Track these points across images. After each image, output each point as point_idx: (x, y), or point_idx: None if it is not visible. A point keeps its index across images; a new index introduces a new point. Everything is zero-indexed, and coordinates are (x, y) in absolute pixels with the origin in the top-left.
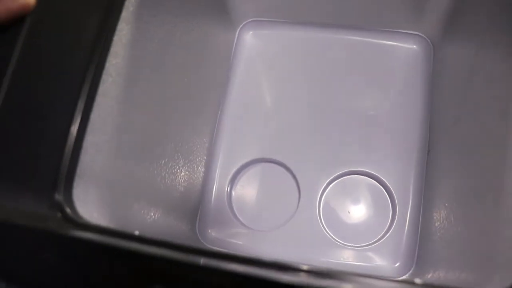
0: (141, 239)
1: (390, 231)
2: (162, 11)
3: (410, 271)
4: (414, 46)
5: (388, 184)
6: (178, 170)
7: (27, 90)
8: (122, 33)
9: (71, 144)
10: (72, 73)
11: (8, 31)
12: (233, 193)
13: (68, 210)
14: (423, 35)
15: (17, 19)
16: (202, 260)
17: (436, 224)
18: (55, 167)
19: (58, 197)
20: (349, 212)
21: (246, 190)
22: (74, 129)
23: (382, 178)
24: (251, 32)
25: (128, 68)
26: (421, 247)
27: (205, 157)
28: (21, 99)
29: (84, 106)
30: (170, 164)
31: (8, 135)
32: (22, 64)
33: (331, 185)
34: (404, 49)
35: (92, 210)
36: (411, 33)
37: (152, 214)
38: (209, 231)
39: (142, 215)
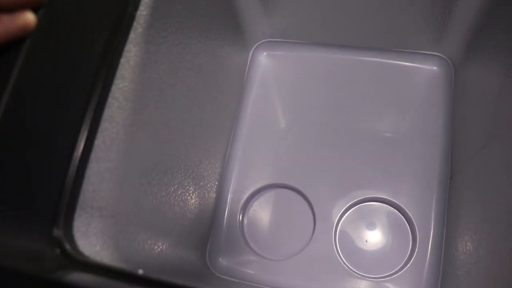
0: (145, 280)
1: (411, 262)
2: (172, 32)
3: None
4: (434, 68)
5: (408, 212)
6: (188, 197)
7: (25, 117)
8: (129, 55)
9: (72, 173)
10: (75, 98)
11: (5, 53)
12: (245, 220)
13: (67, 246)
14: (443, 56)
15: (16, 41)
16: None
17: (462, 257)
18: (55, 199)
19: (57, 232)
20: (366, 241)
21: (259, 217)
22: (76, 157)
23: (402, 206)
24: (265, 53)
25: (136, 92)
26: (444, 281)
27: (216, 183)
28: (19, 126)
29: (88, 133)
30: (179, 191)
31: (4, 165)
32: (20, 89)
33: (347, 213)
34: (423, 70)
35: (94, 242)
36: (431, 54)
37: (160, 244)
38: (220, 259)
39: (149, 245)
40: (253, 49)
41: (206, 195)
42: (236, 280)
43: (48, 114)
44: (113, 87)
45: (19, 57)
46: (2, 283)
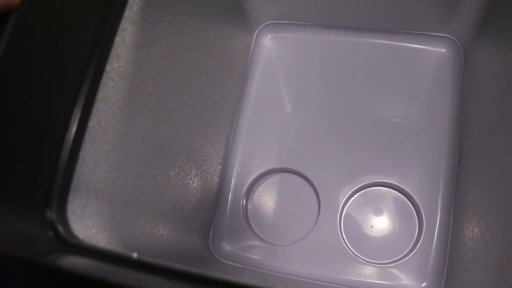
0: (139, 264)
1: (417, 247)
2: (171, 11)
3: None
4: (443, 50)
5: (414, 197)
6: (190, 181)
7: (13, 98)
8: (125, 34)
9: (65, 155)
10: (67, 78)
11: None
12: (249, 204)
13: (60, 228)
14: (452, 38)
15: None
16: None
17: (468, 243)
18: (47, 181)
19: (50, 214)
20: (372, 226)
21: (263, 202)
22: (69, 138)
23: (408, 191)
24: (269, 35)
25: (133, 72)
26: (450, 267)
27: (219, 167)
28: (7, 107)
29: (81, 113)
30: (180, 175)
31: None
32: (6, 69)
33: (353, 197)
34: (432, 52)
35: (90, 225)
36: (440, 36)
37: (160, 228)
38: (224, 244)
39: (149, 229)
40: (257, 31)
41: (209, 179)
42: (240, 266)
43: (38, 95)
44: (108, 67)
45: (4, 35)
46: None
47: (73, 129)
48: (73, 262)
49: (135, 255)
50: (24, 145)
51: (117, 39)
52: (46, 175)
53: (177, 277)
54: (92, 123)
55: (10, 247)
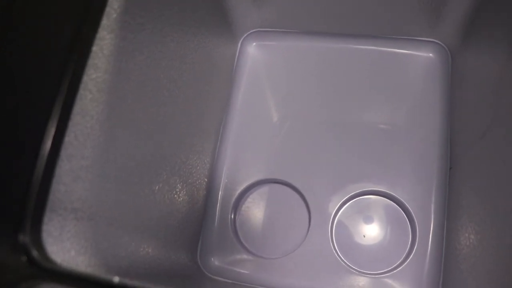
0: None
1: (411, 256)
2: (151, 19)
3: None
4: (430, 54)
5: (406, 204)
6: (175, 195)
7: None
8: (103, 43)
9: (39, 172)
10: (41, 90)
11: None
12: (238, 217)
13: (35, 253)
14: (439, 42)
15: None
16: None
17: (465, 251)
18: (20, 201)
19: (24, 238)
20: (364, 236)
21: (252, 214)
22: (44, 154)
23: (399, 198)
24: (254, 43)
25: (112, 83)
26: (446, 276)
27: (206, 179)
28: None
29: (56, 127)
30: (165, 189)
31: None
32: None
33: (344, 207)
34: (419, 57)
35: (69, 247)
36: (427, 40)
37: (145, 245)
38: (212, 259)
39: (132, 248)
40: (241, 39)
41: (196, 192)
42: (229, 281)
43: (9, 108)
44: (85, 78)
45: None
46: None
47: (48, 144)
48: None
49: (116, 279)
50: None
51: (94, 48)
52: (19, 194)
53: None
54: (68, 138)
55: None
